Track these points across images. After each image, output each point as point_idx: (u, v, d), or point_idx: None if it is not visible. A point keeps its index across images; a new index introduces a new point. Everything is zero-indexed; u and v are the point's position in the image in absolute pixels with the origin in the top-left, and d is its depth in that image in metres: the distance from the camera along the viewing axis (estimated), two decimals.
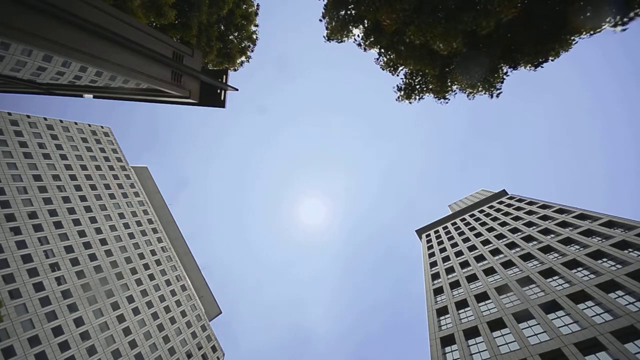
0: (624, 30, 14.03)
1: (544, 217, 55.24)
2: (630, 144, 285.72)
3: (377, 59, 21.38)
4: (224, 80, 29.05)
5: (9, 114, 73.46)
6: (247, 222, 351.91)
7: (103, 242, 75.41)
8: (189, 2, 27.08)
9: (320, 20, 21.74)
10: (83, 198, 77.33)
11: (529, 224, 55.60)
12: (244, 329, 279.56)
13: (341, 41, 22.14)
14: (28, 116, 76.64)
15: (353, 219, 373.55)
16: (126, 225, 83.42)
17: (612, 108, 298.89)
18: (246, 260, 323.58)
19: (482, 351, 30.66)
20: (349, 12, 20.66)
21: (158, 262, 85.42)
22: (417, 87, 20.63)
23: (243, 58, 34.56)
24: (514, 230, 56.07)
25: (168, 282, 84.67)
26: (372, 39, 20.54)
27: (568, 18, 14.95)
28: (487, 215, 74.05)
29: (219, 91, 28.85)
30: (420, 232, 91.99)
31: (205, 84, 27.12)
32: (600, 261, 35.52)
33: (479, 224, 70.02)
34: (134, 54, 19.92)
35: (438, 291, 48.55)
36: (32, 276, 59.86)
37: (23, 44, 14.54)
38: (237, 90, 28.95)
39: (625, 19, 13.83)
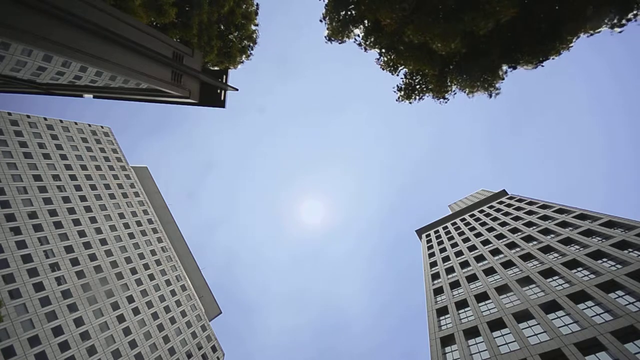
0: (622, 31, 14.05)
1: (544, 217, 55.24)
2: (630, 143, 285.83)
3: (378, 59, 21.40)
4: (224, 80, 29.09)
5: (9, 114, 73.48)
6: (254, 221, 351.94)
7: (103, 242, 75.41)
8: (189, 1, 27.10)
9: (321, 21, 21.76)
10: (83, 198, 77.34)
11: (529, 224, 55.60)
12: (271, 322, 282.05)
13: (342, 42, 22.17)
14: (28, 116, 76.67)
15: (352, 218, 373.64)
16: (126, 225, 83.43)
17: (612, 108, 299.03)
18: (256, 257, 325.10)
19: (482, 351, 30.67)
20: (349, 12, 20.68)
21: (158, 262, 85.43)
22: (417, 87, 20.64)
23: (243, 57, 34.61)
24: (514, 230, 56.07)
25: (168, 282, 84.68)
26: (372, 39, 20.56)
27: (567, 18, 14.95)
28: (487, 215, 74.05)
29: (219, 91, 28.88)
30: (420, 232, 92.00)
31: (206, 84, 27.16)
32: (600, 261, 35.52)
33: (479, 224, 70.02)
34: (134, 54, 19.95)
35: (438, 291, 48.55)
36: (32, 276, 59.87)
37: (23, 44, 14.57)
38: (237, 90, 28.97)
39: (623, 20, 13.85)
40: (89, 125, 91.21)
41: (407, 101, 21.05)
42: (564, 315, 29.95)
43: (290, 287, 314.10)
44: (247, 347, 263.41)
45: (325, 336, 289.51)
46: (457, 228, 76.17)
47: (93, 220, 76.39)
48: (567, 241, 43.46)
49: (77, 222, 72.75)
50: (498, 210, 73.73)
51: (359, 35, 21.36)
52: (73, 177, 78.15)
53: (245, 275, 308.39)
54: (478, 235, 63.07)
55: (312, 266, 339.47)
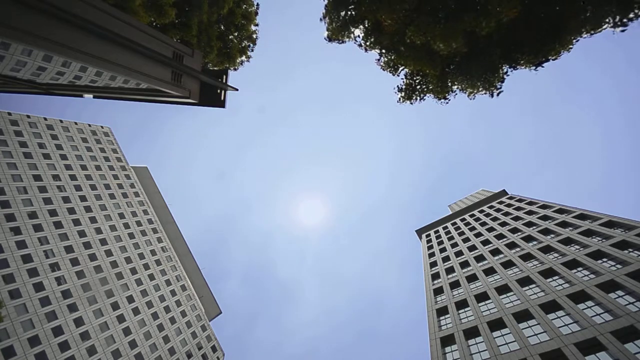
0: (624, 30, 14.01)
1: (544, 217, 55.23)
2: (629, 143, 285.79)
3: (378, 60, 21.38)
4: (224, 80, 29.08)
5: (9, 114, 73.41)
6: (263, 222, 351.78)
7: (103, 242, 75.36)
8: (189, 1, 27.07)
9: (321, 20, 21.70)
10: (83, 198, 77.29)
11: (529, 224, 55.58)
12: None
13: (342, 42, 22.14)
14: (28, 116, 76.60)
15: (351, 218, 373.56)
16: (126, 225, 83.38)
17: (611, 107, 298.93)
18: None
19: (482, 351, 30.66)
20: (349, 12, 20.64)
21: (158, 262, 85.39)
22: (418, 87, 20.62)
23: (243, 57, 34.58)
24: (514, 230, 56.05)
25: (168, 282, 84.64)
26: (372, 40, 20.54)
27: (568, 18, 14.93)
28: (487, 215, 74.03)
29: (219, 91, 28.87)
30: (420, 232, 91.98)
31: (206, 84, 27.15)
32: (600, 261, 35.51)
33: (479, 224, 70.00)
34: (134, 54, 19.94)
35: (438, 291, 48.53)
36: (32, 276, 59.82)
37: (23, 44, 14.55)
38: (237, 90, 28.95)
39: (624, 20, 13.82)
40: (89, 125, 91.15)
41: (408, 102, 21.01)
42: (564, 315, 29.93)
43: (322, 271, 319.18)
44: (282, 330, 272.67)
45: (363, 317, 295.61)
46: (457, 228, 76.15)
47: (93, 220, 76.34)
48: (567, 241, 43.44)
49: (77, 222, 72.69)
50: (498, 210, 73.72)
51: (359, 36, 21.34)
52: (73, 177, 78.09)
53: (275, 264, 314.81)
54: (478, 235, 63.06)
55: (339, 251, 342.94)
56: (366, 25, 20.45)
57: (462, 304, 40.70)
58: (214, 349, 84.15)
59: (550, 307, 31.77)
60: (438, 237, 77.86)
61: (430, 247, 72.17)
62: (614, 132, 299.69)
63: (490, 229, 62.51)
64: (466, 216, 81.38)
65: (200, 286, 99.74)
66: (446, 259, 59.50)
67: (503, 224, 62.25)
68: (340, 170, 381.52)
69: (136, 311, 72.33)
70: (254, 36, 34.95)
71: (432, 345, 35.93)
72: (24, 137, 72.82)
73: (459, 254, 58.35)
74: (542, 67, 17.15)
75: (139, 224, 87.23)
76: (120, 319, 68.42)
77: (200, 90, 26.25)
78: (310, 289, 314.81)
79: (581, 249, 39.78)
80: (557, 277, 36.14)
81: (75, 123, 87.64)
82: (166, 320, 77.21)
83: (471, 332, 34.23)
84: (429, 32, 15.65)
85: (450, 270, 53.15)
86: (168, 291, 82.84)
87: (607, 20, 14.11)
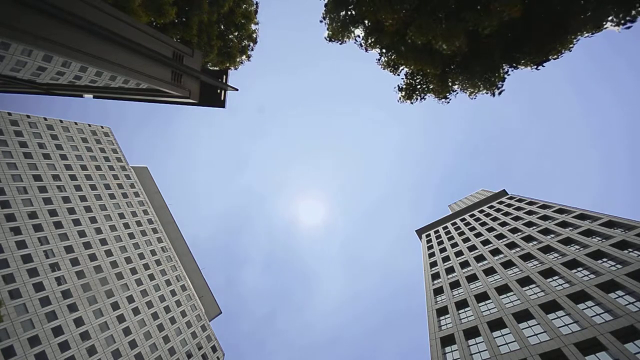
0: (629, 27, 13.92)
1: (544, 217, 55.22)
2: (628, 144, 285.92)
3: (379, 60, 21.36)
4: (224, 80, 29.05)
5: (9, 114, 73.38)
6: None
7: (103, 242, 75.34)
8: (189, 1, 27.05)
9: (321, 22, 21.70)
10: (83, 198, 77.27)
11: (529, 224, 55.57)
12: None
13: (342, 42, 22.13)
14: (28, 116, 76.57)
15: (350, 219, 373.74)
16: (126, 225, 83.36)
17: (611, 107, 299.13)
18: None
19: (482, 351, 30.65)
20: (349, 12, 20.63)
21: (158, 262, 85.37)
22: (418, 87, 20.61)
23: (243, 57, 34.56)
24: (514, 230, 56.04)
25: (168, 282, 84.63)
26: (373, 40, 20.53)
27: (569, 17, 14.92)
28: (487, 215, 74.02)
29: (219, 91, 28.84)
30: (420, 232, 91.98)
31: (206, 84, 27.13)
32: (600, 261, 35.50)
33: (479, 224, 69.99)
34: (134, 54, 19.91)
35: (438, 291, 48.52)
36: (32, 276, 59.80)
37: (23, 44, 14.53)
38: (237, 90, 28.93)
39: (627, 18, 13.80)
40: (89, 125, 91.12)
41: (409, 101, 21.00)
42: (564, 315, 29.93)
43: (333, 263, 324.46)
44: (303, 320, 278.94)
45: (391, 300, 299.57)
46: (457, 228, 76.14)
47: (93, 220, 76.32)
48: (567, 241, 43.43)
49: (77, 222, 72.67)
50: (498, 210, 73.70)
51: (359, 36, 21.33)
52: (73, 177, 78.06)
53: (289, 259, 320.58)
54: (478, 235, 63.05)
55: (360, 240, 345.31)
56: (366, 25, 20.44)
57: (462, 304, 40.69)
58: (214, 349, 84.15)
59: (550, 307, 31.77)
60: (438, 237, 77.84)
61: (430, 247, 72.16)
62: (614, 132, 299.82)
63: (490, 229, 62.50)
64: (466, 216, 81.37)
65: (200, 286, 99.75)
66: (446, 259, 59.48)
67: (503, 224, 62.23)
68: (342, 169, 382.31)
69: (136, 311, 72.32)
70: (254, 35, 34.94)
71: (432, 345, 35.91)
72: (24, 137, 72.79)
73: (459, 254, 58.34)
74: (543, 66, 17.13)
75: (139, 224, 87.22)
76: (120, 319, 68.41)
77: (200, 90, 26.24)
78: (322, 280, 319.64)
79: (581, 249, 39.77)
80: (557, 277, 36.14)
81: (75, 123, 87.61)
82: (166, 320, 77.20)
83: (471, 332, 34.22)
84: (431, 32, 15.64)
85: (450, 270, 53.14)
86: (168, 291, 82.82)
87: (608, 19, 14.10)
